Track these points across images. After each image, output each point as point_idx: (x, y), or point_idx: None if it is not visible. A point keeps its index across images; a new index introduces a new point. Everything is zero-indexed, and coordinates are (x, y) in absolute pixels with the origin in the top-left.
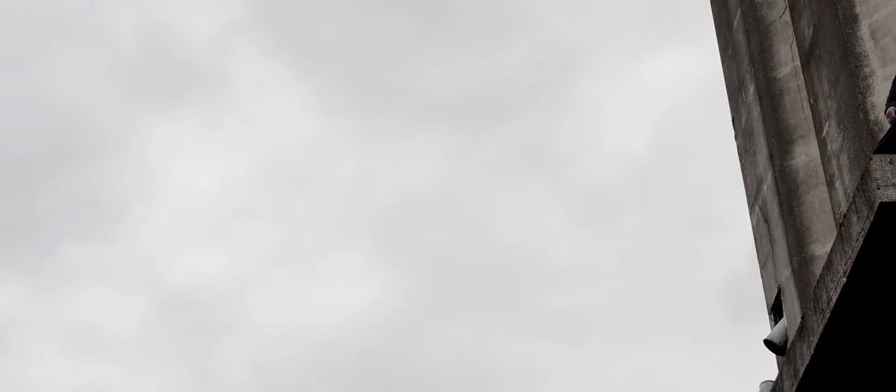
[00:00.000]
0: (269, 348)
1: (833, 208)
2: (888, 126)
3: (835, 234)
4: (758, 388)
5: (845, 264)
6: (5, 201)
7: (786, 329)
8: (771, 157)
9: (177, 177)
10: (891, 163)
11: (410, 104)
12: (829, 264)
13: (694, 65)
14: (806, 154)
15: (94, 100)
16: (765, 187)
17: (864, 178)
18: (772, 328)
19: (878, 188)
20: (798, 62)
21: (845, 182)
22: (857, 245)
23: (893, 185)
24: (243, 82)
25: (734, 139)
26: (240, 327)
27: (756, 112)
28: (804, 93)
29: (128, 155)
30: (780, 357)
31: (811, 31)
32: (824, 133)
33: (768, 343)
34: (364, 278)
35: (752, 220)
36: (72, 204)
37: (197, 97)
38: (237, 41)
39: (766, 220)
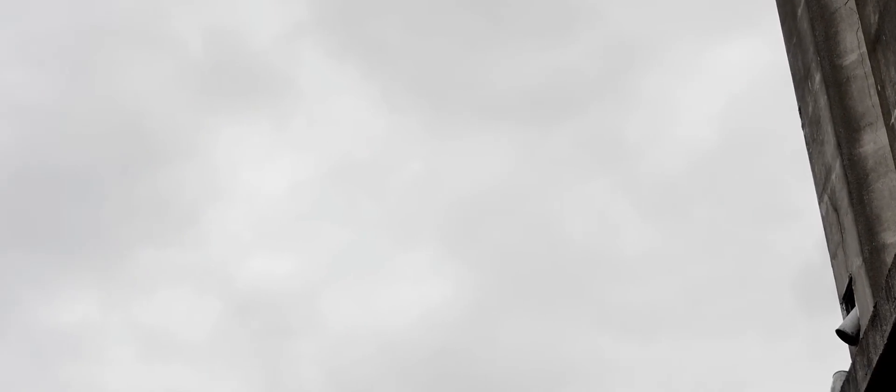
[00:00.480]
0: (341, 348)
1: None
2: None
3: None
4: (831, 379)
5: None
6: (78, 208)
7: (858, 318)
8: (839, 145)
9: (246, 180)
10: None
11: (477, 101)
12: None
13: (759, 54)
14: (874, 142)
15: (164, 105)
16: (833, 176)
17: None
18: (844, 318)
19: None
20: (864, 49)
21: None
22: None
23: None
24: (310, 84)
25: (801, 128)
26: (312, 328)
27: (823, 100)
28: (871, 80)
29: (197, 159)
30: (852, 347)
31: (877, 17)
32: (893, 120)
33: (841, 333)
34: (434, 276)
35: (821, 209)
36: (143, 209)
37: (264, 100)
38: (303, 43)
39: (836, 209)
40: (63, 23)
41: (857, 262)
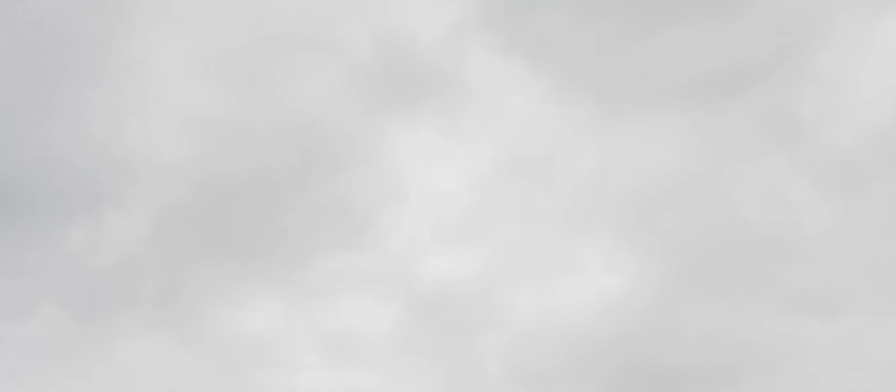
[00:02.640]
0: (522, 343)
1: None
2: None
3: None
4: None
5: None
6: (259, 217)
7: None
8: None
9: (420, 180)
10: None
11: (647, 86)
12: None
13: None
14: None
15: (336, 110)
16: None
17: None
18: None
19: None
20: None
21: None
22: None
23: None
24: (478, 80)
25: None
26: (493, 324)
27: None
28: None
29: (372, 162)
30: None
31: None
32: None
33: None
34: (612, 266)
35: None
36: (321, 215)
37: (434, 99)
38: (468, 40)
39: None
40: (232, 35)
41: None
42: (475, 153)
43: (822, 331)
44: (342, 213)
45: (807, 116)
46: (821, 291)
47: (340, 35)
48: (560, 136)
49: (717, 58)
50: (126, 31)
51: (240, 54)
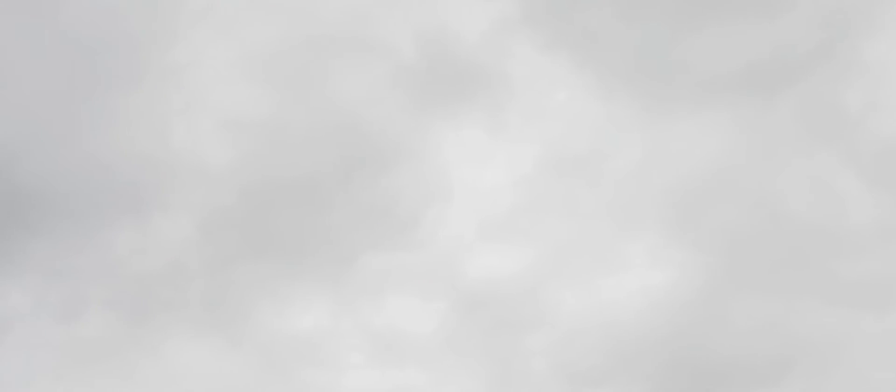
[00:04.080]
0: (569, 340)
1: None
2: None
3: None
4: None
5: None
6: (306, 218)
7: None
8: None
9: (465, 178)
10: None
11: (691, 81)
12: None
13: None
14: None
15: (379, 110)
16: None
17: None
18: None
19: None
20: None
21: None
22: None
23: None
24: (522, 78)
25: None
26: (539, 321)
27: None
28: None
29: (416, 161)
30: None
31: None
32: None
33: None
34: (658, 262)
35: None
36: (367, 214)
37: (478, 97)
38: (512, 38)
39: None
40: (274, 37)
41: None
42: (520, 151)
43: (872, 324)
44: (387, 212)
45: (853, 108)
46: (869, 284)
47: (384, 34)
48: (605, 133)
49: (761, 51)
50: (169, 35)
51: (283, 56)
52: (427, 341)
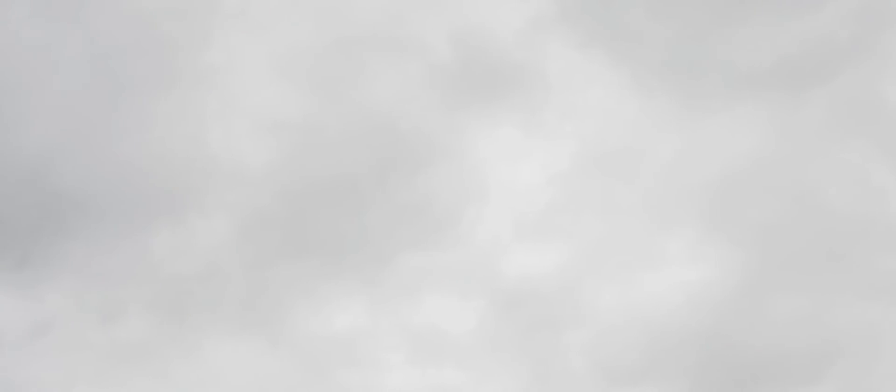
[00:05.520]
0: (608, 337)
1: None
2: None
3: None
4: None
5: None
6: (343, 218)
7: None
8: None
9: (502, 176)
10: None
11: (728, 76)
12: None
13: None
14: None
15: (415, 109)
16: None
17: None
18: None
19: None
20: None
21: None
22: None
23: None
24: (558, 76)
25: None
26: (577, 319)
27: None
28: None
29: (452, 160)
30: None
31: None
32: None
33: None
34: (696, 258)
35: None
36: (403, 214)
37: (514, 95)
38: (547, 36)
39: None
40: (308, 37)
41: None
42: (556, 148)
43: None
44: (424, 211)
45: (889, 101)
46: None
47: (418, 34)
48: (641, 129)
49: (796, 45)
50: (204, 37)
51: (318, 56)
52: (465, 340)
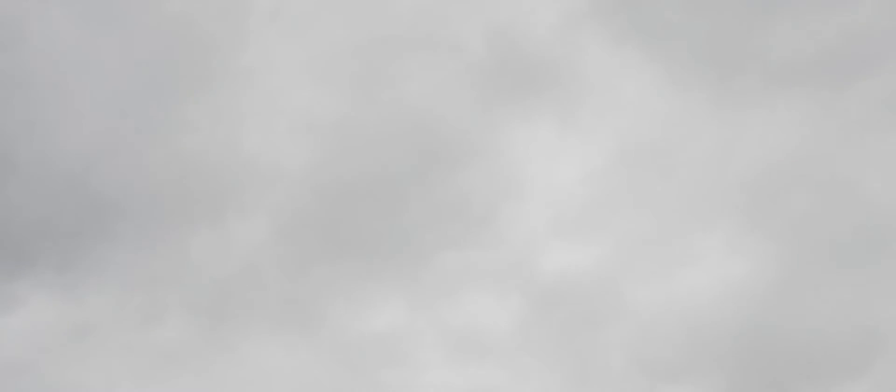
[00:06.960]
0: (646, 334)
1: None
2: None
3: None
4: None
5: None
6: (381, 217)
7: None
8: None
9: (538, 173)
10: None
11: (764, 70)
12: None
13: None
14: None
15: (451, 108)
16: None
17: None
18: None
19: None
20: None
21: None
22: None
23: None
24: (592, 72)
25: None
26: (615, 315)
27: None
28: None
29: (488, 158)
30: None
31: None
32: None
33: None
34: (735, 252)
35: None
36: (441, 212)
37: (549, 92)
38: (581, 32)
39: None
40: (345, 37)
41: None
42: (592, 145)
43: None
44: (461, 210)
45: None
46: None
47: (453, 32)
48: (677, 124)
49: (836, 38)
50: (241, 38)
51: (354, 56)
52: (504, 338)
